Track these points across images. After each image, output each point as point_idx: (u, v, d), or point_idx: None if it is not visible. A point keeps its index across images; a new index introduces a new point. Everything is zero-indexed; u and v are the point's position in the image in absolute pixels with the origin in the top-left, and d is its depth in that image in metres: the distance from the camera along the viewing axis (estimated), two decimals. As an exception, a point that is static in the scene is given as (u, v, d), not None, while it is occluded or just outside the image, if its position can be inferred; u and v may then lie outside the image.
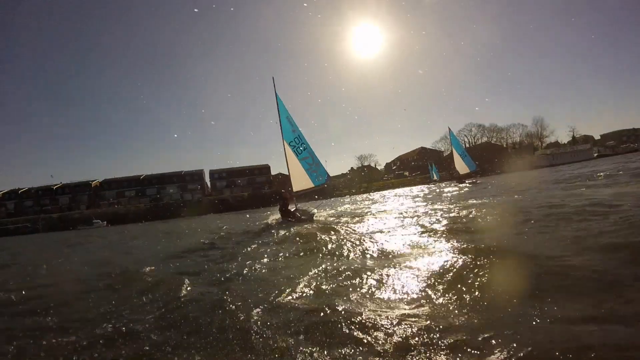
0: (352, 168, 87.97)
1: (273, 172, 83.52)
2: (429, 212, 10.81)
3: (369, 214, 14.02)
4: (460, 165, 35.31)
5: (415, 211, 11.89)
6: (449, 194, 20.34)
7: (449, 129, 37.79)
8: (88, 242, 18.17)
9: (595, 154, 64.45)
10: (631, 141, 77.19)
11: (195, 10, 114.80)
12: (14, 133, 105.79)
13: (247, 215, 25.92)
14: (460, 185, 31.40)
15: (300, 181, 16.88)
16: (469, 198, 15.31)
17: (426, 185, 49.52)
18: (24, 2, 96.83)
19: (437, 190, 28.68)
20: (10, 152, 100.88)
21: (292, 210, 15.17)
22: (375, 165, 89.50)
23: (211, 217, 33.49)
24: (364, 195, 43.26)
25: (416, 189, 38.72)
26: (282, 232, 9.43)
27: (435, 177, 57.74)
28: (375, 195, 38.48)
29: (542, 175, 24.86)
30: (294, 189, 16.55)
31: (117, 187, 73.76)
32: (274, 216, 15.97)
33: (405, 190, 43.64)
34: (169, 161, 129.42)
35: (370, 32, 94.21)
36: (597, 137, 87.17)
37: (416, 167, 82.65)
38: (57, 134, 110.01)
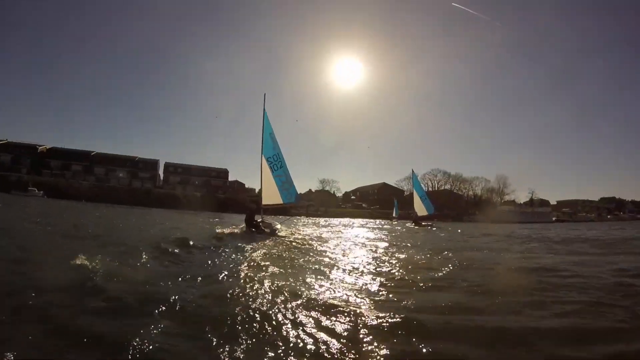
0: (310, 190, 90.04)
1: (230, 178, 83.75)
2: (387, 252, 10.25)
3: (331, 239, 14.67)
4: (419, 207, 37.61)
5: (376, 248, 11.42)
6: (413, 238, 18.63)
7: (412, 171, 41.92)
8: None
9: (554, 218, 69.42)
10: (586, 211, 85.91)
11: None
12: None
13: (201, 219, 25.30)
14: (416, 227, 33.20)
15: (270, 196, 18.42)
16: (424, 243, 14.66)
17: (386, 221, 51.43)
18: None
19: (398, 228, 29.54)
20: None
21: (257, 222, 16.20)
22: (335, 193, 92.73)
23: (158, 214, 31.00)
24: (322, 220, 44.47)
25: (373, 223, 39.70)
26: (252, 253, 8.62)
27: (394, 214, 59.70)
28: (334, 221, 40.22)
29: (500, 231, 25.18)
30: (263, 202, 17.95)
31: (64, 158, 69.12)
32: (239, 226, 16.31)
33: (364, 221, 45.30)
34: (123, 143, 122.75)
35: (346, 66, 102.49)
36: (552, 202, 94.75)
37: (375, 201, 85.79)
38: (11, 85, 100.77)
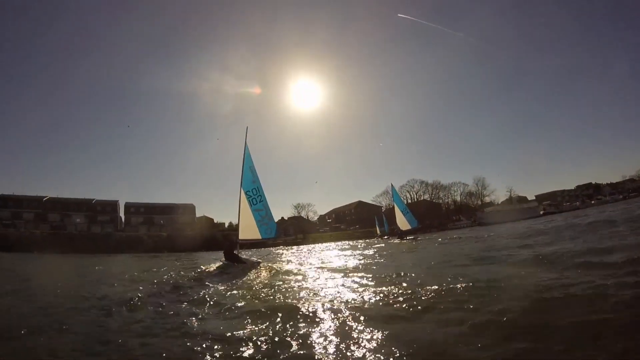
0: (282, 217, 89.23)
1: (198, 214, 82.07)
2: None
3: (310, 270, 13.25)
4: (402, 222, 38.21)
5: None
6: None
7: (392, 185, 42.67)
8: None
9: (542, 212, 71.02)
10: (566, 200, 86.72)
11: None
12: None
13: (166, 261, 24.04)
14: (402, 240, 34.00)
15: (248, 231, 18.65)
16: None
17: (368, 240, 50.73)
18: None
19: (382, 245, 28.96)
20: None
21: (236, 253, 16.40)
22: (307, 217, 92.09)
23: (124, 261, 27.57)
24: (303, 247, 43.59)
25: (357, 244, 37.47)
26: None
27: (379, 232, 59.09)
28: (315, 247, 39.18)
29: (493, 234, 25.07)
30: (240, 237, 18.02)
31: (14, 207, 65.11)
32: (220, 260, 16.61)
33: (346, 244, 44.02)
34: (79, 185, 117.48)
35: (311, 86, 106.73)
36: (530, 197, 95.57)
37: (353, 221, 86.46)
38: None
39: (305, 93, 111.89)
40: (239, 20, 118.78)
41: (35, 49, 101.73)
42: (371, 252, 20.34)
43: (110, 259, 31.37)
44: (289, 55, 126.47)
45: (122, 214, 75.51)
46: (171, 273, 12.71)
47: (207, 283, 9.68)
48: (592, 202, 73.77)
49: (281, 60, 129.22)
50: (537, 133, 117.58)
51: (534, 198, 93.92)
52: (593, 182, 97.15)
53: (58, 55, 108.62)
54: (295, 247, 45.42)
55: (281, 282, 9.03)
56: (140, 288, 8.74)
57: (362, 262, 14.07)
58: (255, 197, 18.20)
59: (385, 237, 51.09)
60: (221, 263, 15.80)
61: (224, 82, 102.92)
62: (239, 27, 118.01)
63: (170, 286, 9.16)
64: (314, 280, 9.17)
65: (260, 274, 11.84)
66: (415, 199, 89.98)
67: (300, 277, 10.05)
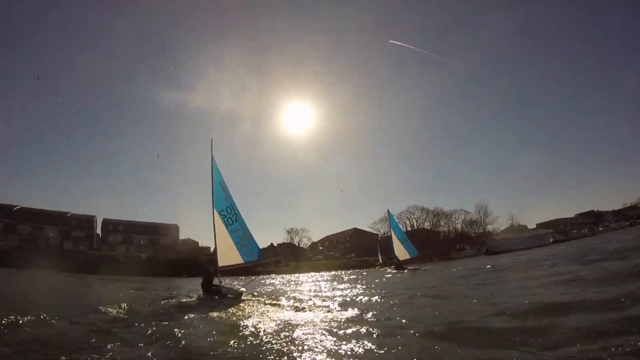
0: (272, 244, 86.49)
1: (182, 236, 79.64)
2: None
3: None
4: (400, 251, 36.69)
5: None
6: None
7: (388, 211, 41.08)
8: None
9: (551, 240, 69.87)
10: (568, 228, 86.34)
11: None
12: None
13: (138, 286, 22.74)
14: (399, 273, 32.07)
15: (228, 255, 17.07)
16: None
17: (366, 270, 48.07)
18: None
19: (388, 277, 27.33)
20: None
21: (217, 285, 15.05)
22: (299, 244, 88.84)
23: (90, 282, 26.18)
24: (293, 277, 41.12)
25: (355, 276, 34.88)
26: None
27: (381, 260, 56.33)
28: (307, 277, 36.15)
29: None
30: (220, 264, 16.58)
31: None
32: (195, 293, 15.42)
33: (342, 273, 41.55)
34: (54, 196, 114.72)
35: (304, 109, 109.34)
36: (531, 225, 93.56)
37: (348, 249, 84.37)
38: None
39: (302, 116, 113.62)
40: (233, 37, 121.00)
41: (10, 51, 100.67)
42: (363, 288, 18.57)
43: (70, 278, 29.46)
44: (281, 77, 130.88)
45: (99, 231, 73.09)
46: (121, 304, 10.74)
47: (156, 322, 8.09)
48: (600, 229, 73.76)
49: (274, 82, 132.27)
50: (534, 161, 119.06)
51: (535, 226, 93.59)
52: (595, 210, 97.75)
53: (33, 56, 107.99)
54: (287, 276, 43.23)
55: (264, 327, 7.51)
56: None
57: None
58: (230, 216, 16.89)
59: (381, 268, 48.91)
60: (197, 297, 14.52)
61: (215, 98, 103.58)
62: (232, 44, 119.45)
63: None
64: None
65: (239, 309, 10.64)
66: (416, 227, 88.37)
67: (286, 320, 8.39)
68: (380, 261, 57.45)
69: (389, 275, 28.79)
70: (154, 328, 7.21)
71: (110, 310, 9.57)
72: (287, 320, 8.06)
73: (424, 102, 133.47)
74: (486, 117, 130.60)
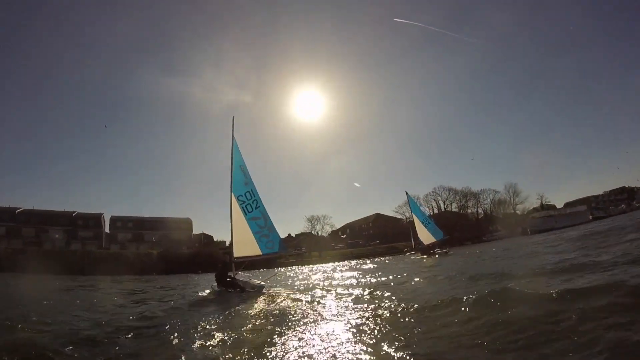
0: (289, 235, 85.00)
1: (195, 231, 78.87)
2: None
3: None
4: (424, 235, 35.31)
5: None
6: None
7: (407, 193, 39.55)
8: None
9: (590, 217, 69.76)
10: (600, 207, 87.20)
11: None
12: None
13: (148, 285, 22.49)
14: (427, 257, 30.91)
15: (245, 246, 15.64)
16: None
17: (399, 256, 45.33)
18: None
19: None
20: None
21: (232, 277, 14.11)
22: (319, 233, 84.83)
23: (105, 285, 23.89)
24: (319, 267, 38.76)
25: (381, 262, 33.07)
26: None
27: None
28: (332, 267, 34.34)
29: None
30: (235, 255, 15.37)
31: None
32: (211, 286, 14.24)
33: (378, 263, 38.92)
34: (58, 196, 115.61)
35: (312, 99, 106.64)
36: (559, 205, 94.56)
37: (371, 236, 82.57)
38: None
39: (316, 100, 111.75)
40: (237, 23, 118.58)
41: (10, 48, 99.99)
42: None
43: (72, 280, 28.28)
44: (291, 59, 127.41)
45: (107, 229, 72.71)
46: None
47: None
48: (638, 205, 75.16)
49: (283, 66, 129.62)
50: (553, 139, 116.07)
51: (563, 206, 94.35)
52: (626, 186, 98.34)
53: (33, 54, 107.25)
54: (308, 267, 41.67)
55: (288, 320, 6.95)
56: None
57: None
58: (250, 202, 15.68)
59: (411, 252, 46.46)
60: (211, 290, 13.80)
61: (221, 86, 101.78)
62: (236, 31, 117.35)
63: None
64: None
65: (260, 304, 9.74)
66: (443, 209, 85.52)
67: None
68: (414, 246, 55.75)
69: (412, 260, 27.06)
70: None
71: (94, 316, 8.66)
72: (309, 317, 7.26)
73: (448, 81, 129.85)
74: (506, 97, 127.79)
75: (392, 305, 7.55)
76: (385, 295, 9.39)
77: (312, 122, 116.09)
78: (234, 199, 15.62)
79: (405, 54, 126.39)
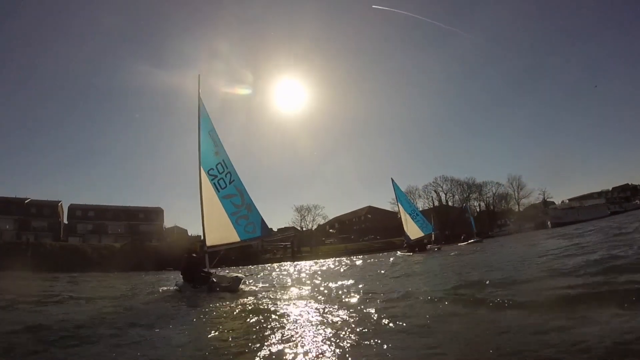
0: (271, 229, 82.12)
1: (167, 224, 75.82)
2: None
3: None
4: (412, 228, 33.17)
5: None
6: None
7: (392, 180, 36.26)
8: None
9: (609, 211, 70.42)
10: (609, 202, 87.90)
11: None
12: None
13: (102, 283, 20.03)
14: (414, 253, 29.05)
15: (218, 231, 13.10)
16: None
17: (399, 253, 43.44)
18: None
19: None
20: None
21: (206, 271, 11.73)
22: (303, 228, 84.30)
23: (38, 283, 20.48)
24: (311, 264, 36.22)
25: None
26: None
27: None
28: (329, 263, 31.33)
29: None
30: (208, 243, 12.74)
31: None
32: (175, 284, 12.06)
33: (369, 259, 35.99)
34: (9, 181, 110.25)
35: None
36: (558, 201, 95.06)
37: (364, 230, 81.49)
38: None
39: (306, 91, 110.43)
40: (228, 16, 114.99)
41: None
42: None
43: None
44: (281, 52, 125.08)
45: (64, 219, 68.69)
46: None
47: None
48: None
49: (273, 58, 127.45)
50: (554, 135, 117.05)
51: (562, 202, 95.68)
52: (630, 184, 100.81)
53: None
54: (296, 264, 39.49)
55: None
56: None
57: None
58: (222, 176, 13.18)
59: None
60: (176, 287, 11.71)
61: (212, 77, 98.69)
62: (227, 22, 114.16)
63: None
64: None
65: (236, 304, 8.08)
66: (444, 200, 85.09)
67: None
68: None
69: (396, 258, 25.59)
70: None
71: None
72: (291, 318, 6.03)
73: (446, 71, 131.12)
74: (504, 92, 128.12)
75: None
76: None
77: (302, 113, 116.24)
78: (203, 175, 13.07)
79: (402, 44, 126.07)
